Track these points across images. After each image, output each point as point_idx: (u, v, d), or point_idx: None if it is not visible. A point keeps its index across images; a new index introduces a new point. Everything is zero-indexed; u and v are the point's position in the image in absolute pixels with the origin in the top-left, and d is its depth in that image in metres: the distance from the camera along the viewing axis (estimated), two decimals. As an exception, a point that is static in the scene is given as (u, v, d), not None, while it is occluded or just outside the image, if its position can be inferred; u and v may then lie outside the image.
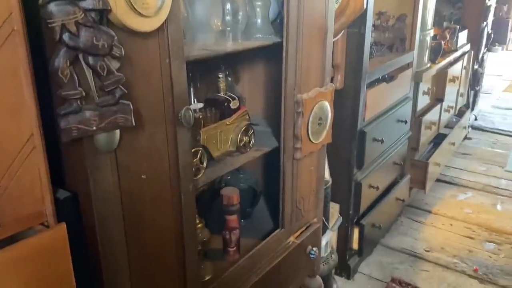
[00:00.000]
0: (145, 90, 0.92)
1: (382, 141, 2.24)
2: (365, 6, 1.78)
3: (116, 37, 0.80)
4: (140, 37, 0.86)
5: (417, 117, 2.78)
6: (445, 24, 3.39)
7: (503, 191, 3.24)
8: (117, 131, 0.87)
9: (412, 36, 2.47)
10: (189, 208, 1.10)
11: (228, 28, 1.29)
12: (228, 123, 1.35)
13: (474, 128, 4.46)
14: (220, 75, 1.38)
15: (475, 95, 4.34)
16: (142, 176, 0.97)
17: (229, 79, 1.49)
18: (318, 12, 1.39)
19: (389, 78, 2.32)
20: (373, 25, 2.21)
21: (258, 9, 1.36)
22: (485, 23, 3.80)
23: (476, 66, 3.98)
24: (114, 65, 0.82)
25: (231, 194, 1.38)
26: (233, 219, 1.40)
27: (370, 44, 2.07)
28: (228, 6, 1.28)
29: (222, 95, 1.38)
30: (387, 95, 2.32)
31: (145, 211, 1.01)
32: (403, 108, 2.49)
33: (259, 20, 1.37)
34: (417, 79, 2.63)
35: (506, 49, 7.11)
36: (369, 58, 2.01)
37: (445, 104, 3.19)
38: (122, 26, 0.82)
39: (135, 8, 0.82)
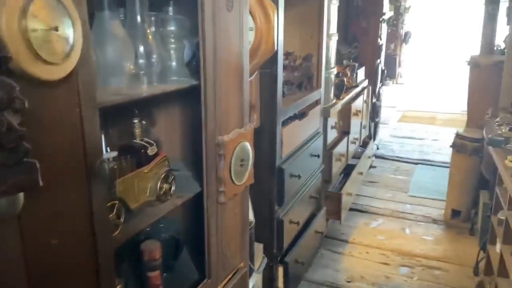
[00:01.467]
0: (54, 145, 0.82)
1: (299, 177, 2.27)
2: (276, 47, 1.82)
3: (18, 88, 0.70)
4: (46, 86, 0.77)
5: (328, 150, 2.89)
6: (344, 62, 3.63)
7: (409, 215, 3.46)
8: (21, 193, 0.76)
9: (319, 75, 2.59)
10: (107, 271, 0.99)
11: (142, 72, 1.23)
12: (146, 171, 1.26)
13: (377, 156, 4.77)
14: (135, 121, 1.29)
15: (376, 126, 4.66)
16: (53, 241, 0.85)
17: (144, 122, 1.41)
18: (233, 53, 1.38)
19: (300, 115, 2.39)
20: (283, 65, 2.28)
21: (172, 52, 1.32)
22: (379, 60, 4.15)
23: (374, 100, 4.30)
24: (16, 119, 0.71)
25: (153, 249, 1.28)
26: (155, 276, 1.29)
27: (282, 83, 2.11)
28: (141, 49, 1.22)
29: (138, 141, 1.29)
30: (300, 132, 2.38)
31: (57, 281, 0.88)
32: (315, 143, 2.57)
33: (174, 63, 1.32)
34: (325, 115, 2.74)
35: (396, 83, 7.87)
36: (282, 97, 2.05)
37: (351, 136, 3.37)
38: (25, 75, 0.72)
39: (39, 55, 0.73)
